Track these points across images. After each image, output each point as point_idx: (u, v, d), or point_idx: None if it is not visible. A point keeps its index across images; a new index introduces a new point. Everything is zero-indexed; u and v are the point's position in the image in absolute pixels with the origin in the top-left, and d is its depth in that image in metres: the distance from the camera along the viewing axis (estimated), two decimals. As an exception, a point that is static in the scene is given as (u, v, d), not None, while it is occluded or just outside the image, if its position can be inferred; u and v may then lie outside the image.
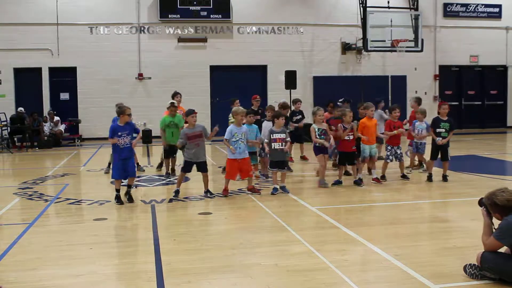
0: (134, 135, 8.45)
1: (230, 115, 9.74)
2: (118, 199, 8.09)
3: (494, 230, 4.50)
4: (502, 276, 4.40)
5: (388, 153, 9.77)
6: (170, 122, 10.53)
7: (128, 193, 8.25)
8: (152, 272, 4.88)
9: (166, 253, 5.47)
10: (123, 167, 8.13)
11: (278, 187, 8.76)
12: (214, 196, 8.50)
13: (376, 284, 4.58)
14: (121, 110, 8.23)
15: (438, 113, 9.81)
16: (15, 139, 17.70)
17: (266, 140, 9.01)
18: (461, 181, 9.73)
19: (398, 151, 9.80)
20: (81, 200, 8.57)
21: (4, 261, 5.34)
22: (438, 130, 9.54)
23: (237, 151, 8.52)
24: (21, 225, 6.86)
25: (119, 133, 8.08)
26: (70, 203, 8.28)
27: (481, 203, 4.69)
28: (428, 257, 5.23)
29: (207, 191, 8.59)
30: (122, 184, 8.21)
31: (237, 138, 8.55)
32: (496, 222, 4.55)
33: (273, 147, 8.74)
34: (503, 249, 4.55)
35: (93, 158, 14.60)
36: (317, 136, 9.05)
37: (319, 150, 9.15)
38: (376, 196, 8.61)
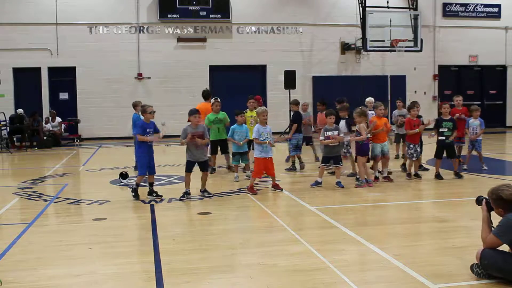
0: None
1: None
2: (135, 192, 8.37)
3: (493, 228, 4.51)
4: (500, 274, 4.40)
5: (412, 151, 9.83)
6: (214, 118, 10.77)
7: (153, 191, 8.53)
8: (152, 272, 4.88)
9: (166, 253, 5.46)
10: (149, 164, 8.46)
11: (320, 181, 9.11)
12: (212, 196, 8.52)
13: (376, 284, 4.58)
14: (144, 109, 8.60)
15: (440, 113, 10.08)
16: (14, 139, 17.72)
17: (321, 138, 9.19)
18: (461, 181, 9.73)
19: (418, 149, 9.90)
20: (80, 200, 8.57)
21: (4, 261, 5.33)
22: (441, 129, 9.83)
23: (263, 150, 8.77)
24: (20, 225, 6.85)
25: (147, 130, 8.41)
26: (69, 203, 8.27)
27: (478, 201, 4.71)
28: (427, 257, 5.23)
29: (204, 190, 8.66)
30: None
31: (264, 137, 8.78)
32: (495, 221, 4.56)
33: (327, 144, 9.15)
34: (506, 248, 4.54)
35: (92, 158, 14.61)
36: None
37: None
38: (376, 196, 8.61)
